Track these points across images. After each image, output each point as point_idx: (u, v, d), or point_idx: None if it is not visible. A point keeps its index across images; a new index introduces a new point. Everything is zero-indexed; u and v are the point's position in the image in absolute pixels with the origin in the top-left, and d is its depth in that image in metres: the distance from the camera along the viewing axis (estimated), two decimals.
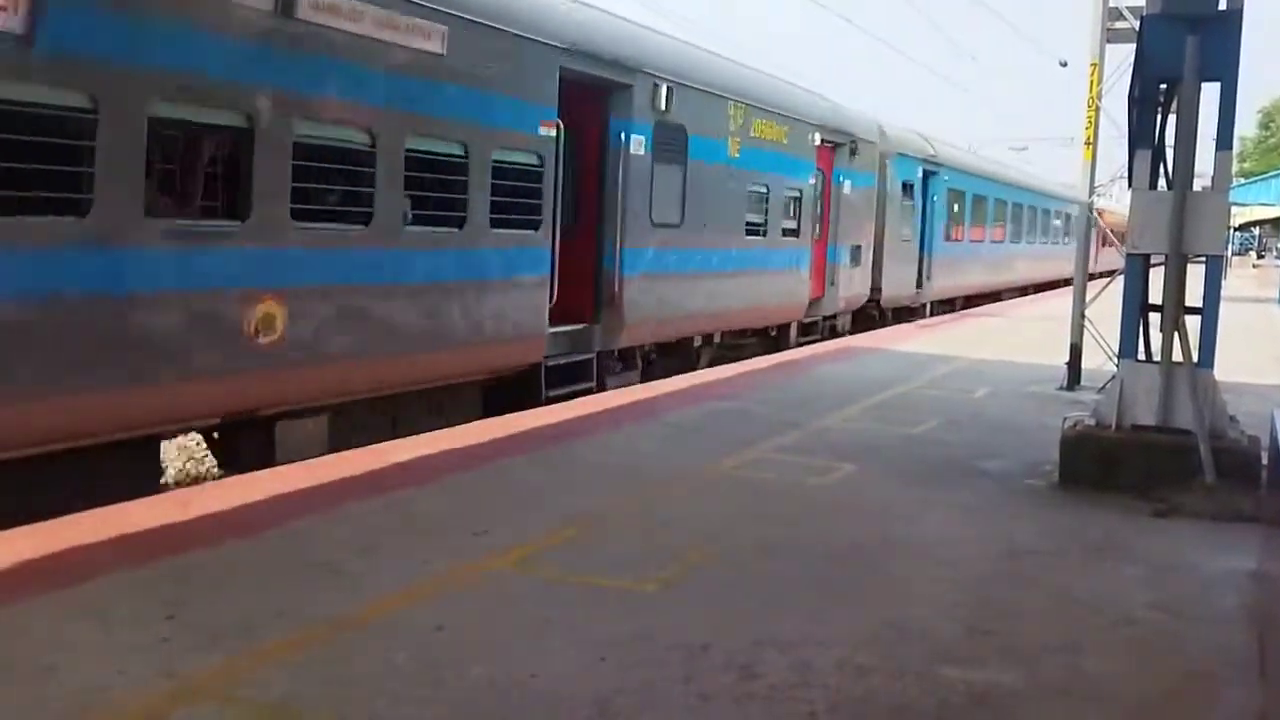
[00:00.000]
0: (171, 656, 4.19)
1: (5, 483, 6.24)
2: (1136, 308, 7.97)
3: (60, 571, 5.10)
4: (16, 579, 5.00)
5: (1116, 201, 43.95)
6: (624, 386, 11.88)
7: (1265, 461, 7.26)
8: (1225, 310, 7.88)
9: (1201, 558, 6.17)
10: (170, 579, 5.06)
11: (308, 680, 4.05)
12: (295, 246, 7.77)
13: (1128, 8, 12.14)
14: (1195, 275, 7.90)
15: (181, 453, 9.88)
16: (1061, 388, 12.44)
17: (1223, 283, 7.98)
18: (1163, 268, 7.86)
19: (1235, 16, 7.60)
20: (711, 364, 14.37)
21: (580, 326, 11.57)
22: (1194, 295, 7.80)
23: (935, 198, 23.52)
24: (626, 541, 6.03)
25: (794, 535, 6.28)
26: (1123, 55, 11.31)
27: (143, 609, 4.65)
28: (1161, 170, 7.97)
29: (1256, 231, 71.87)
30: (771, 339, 16.66)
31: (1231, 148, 8.02)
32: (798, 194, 16.50)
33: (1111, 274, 14.83)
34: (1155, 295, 7.93)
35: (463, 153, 9.33)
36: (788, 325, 17.04)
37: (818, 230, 17.39)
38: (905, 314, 22.85)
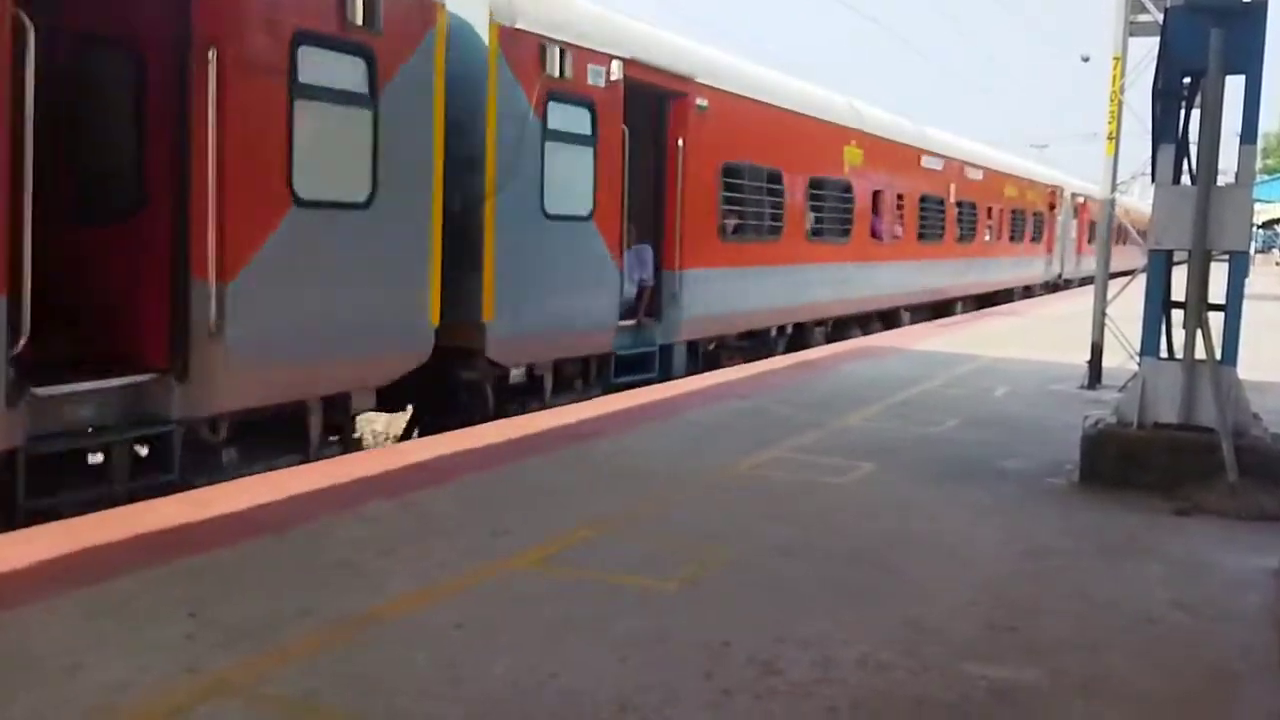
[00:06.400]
0: (195, 653, 4.21)
1: None
2: (1159, 304, 7.91)
3: (82, 570, 5.13)
4: (38, 578, 5.04)
5: (1140, 198, 43.57)
6: None
7: None
8: (1248, 307, 7.82)
9: (1223, 556, 6.13)
10: (192, 577, 5.09)
11: (330, 677, 4.07)
12: None
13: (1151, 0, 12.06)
14: (1216, 273, 7.84)
15: None
16: (1082, 386, 12.36)
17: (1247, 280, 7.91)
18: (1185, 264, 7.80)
19: (1260, 9, 7.53)
20: None
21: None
22: (1215, 293, 7.74)
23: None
24: (646, 541, 6.03)
25: (813, 534, 6.26)
26: (1146, 49, 11.25)
27: (165, 607, 4.67)
28: (1185, 165, 7.92)
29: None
30: None
31: (1256, 142, 7.95)
32: None
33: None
34: (1178, 293, 7.88)
35: None
36: None
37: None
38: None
